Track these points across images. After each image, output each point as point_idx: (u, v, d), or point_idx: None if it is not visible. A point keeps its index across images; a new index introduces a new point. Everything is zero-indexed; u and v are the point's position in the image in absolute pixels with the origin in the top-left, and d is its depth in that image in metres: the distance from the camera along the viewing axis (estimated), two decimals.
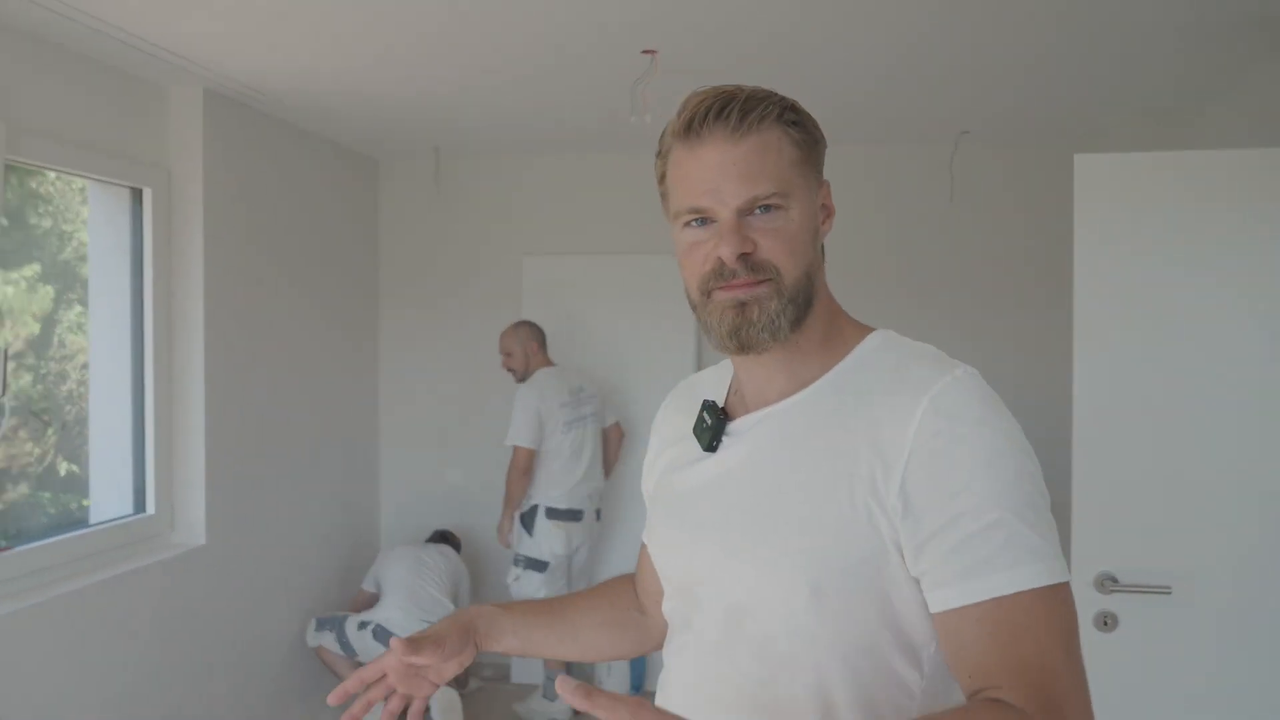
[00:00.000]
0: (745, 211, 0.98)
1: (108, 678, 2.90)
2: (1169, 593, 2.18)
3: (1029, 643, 0.86)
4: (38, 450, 3.06)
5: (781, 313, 0.99)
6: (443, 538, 4.26)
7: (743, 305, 0.99)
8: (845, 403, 0.99)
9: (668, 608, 1.13)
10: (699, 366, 4.41)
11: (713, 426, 1.06)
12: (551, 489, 3.95)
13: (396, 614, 3.79)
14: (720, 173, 0.98)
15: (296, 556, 3.94)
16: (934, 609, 0.91)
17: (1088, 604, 2.23)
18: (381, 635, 3.75)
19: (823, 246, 1.07)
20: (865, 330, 1.07)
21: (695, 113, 1.00)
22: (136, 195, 3.24)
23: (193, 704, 3.28)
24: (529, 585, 3.95)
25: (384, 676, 1.17)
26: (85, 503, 3.19)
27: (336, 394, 4.32)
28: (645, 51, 2.93)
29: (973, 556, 0.88)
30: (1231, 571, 2.19)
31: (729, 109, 0.98)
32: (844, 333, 1.06)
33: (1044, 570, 0.88)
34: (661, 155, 1.06)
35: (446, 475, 4.65)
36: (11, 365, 3.10)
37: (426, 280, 4.64)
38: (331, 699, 1.16)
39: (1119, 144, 3.82)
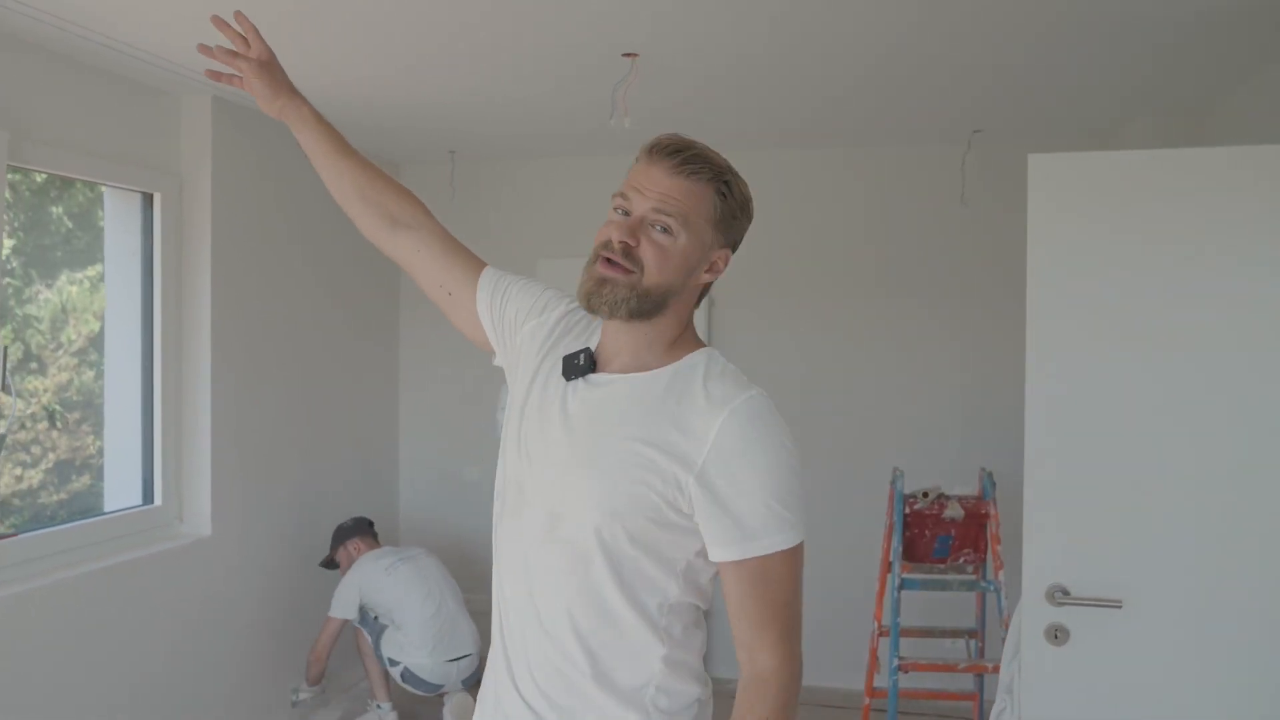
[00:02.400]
0: (649, 220, 1.33)
1: (112, 661, 3.03)
2: (1120, 606, 2.11)
3: (776, 588, 1.32)
4: (62, 441, 3.22)
5: (625, 300, 1.33)
6: (369, 526, 4.08)
7: (603, 281, 1.33)
8: (670, 395, 1.36)
9: (501, 488, 1.48)
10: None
11: (582, 367, 1.40)
12: None
13: (425, 660, 3.70)
14: (651, 185, 1.33)
15: (305, 551, 4.05)
16: (714, 559, 1.34)
17: (1039, 616, 2.18)
18: (411, 679, 3.73)
19: (706, 289, 1.44)
20: (698, 346, 1.42)
21: (661, 143, 1.36)
22: (148, 199, 3.39)
23: (195, 690, 3.40)
24: None
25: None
26: (99, 492, 3.35)
27: (353, 393, 4.44)
28: (626, 55, 2.95)
29: (746, 527, 1.30)
30: (1183, 585, 2.11)
31: (681, 152, 1.34)
32: (685, 344, 1.41)
33: (791, 536, 1.32)
34: (637, 160, 1.40)
35: (464, 473, 4.73)
36: (74, 361, 3.29)
37: None
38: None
39: (1135, 141, 3.69)
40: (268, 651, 3.82)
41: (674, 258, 1.33)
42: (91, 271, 3.33)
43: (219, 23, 1.70)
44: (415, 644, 3.72)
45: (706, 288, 1.43)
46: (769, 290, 4.40)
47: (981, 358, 4.18)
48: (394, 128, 4.00)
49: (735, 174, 1.38)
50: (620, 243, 1.32)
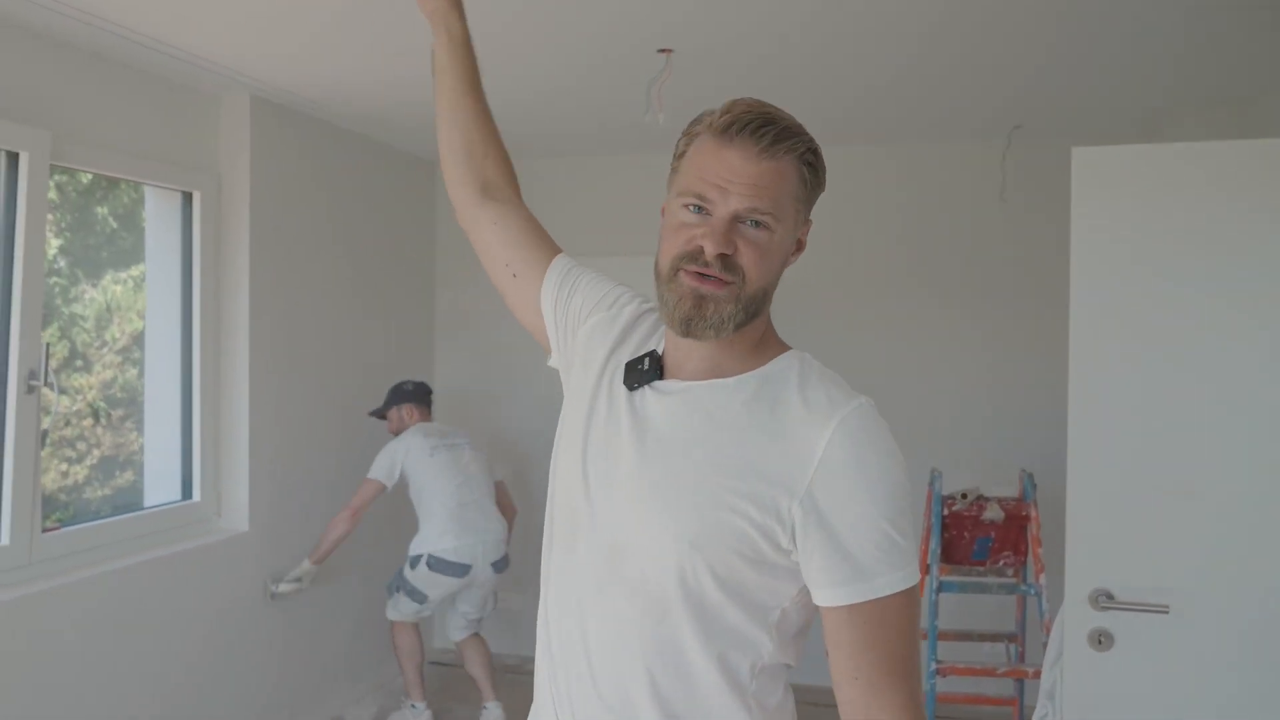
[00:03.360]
0: (739, 218, 1.10)
1: (150, 652, 3.07)
2: (1167, 611, 2.06)
3: (897, 638, 1.07)
4: (106, 438, 3.27)
5: (732, 316, 1.12)
6: (428, 395, 4.08)
7: (701, 299, 1.11)
8: (760, 404, 1.13)
9: (552, 516, 1.25)
10: None
11: (646, 374, 1.19)
12: None
13: (450, 543, 3.74)
14: (735, 176, 1.09)
15: (341, 548, 4.07)
16: (822, 603, 1.09)
17: (1082, 621, 2.13)
18: (438, 565, 3.76)
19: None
20: (784, 347, 1.20)
21: (737, 119, 1.11)
22: (188, 198, 3.43)
23: (230, 683, 3.44)
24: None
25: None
26: (140, 488, 3.39)
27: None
28: (661, 50, 2.94)
29: (861, 563, 1.06)
30: (1233, 591, 2.05)
31: (765, 130, 1.10)
32: (769, 345, 1.19)
33: (911, 573, 1.08)
34: (688, 136, 1.17)
35: (496, 472, 4.73)
36: (118, 359, 3.34)
37: (478, 281, 4.72)
38: None
39: (1179, 135, 3.61)
40: (303, 647, 3.85)
41: (774, 255, 1.13)
42: (135, 271, 3.38)
43: None
44: (439, 532, 3.77)
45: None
46: (803, 288, 4.35)
47: (1021, 356, 4.11)
48: (427, 127, 4.00)
49: (812, 139, 1.16)
50: (718, 255, 1.10)
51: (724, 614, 1.11)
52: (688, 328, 1.12)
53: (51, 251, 2.98)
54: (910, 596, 1.08)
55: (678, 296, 1.12)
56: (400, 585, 3.89)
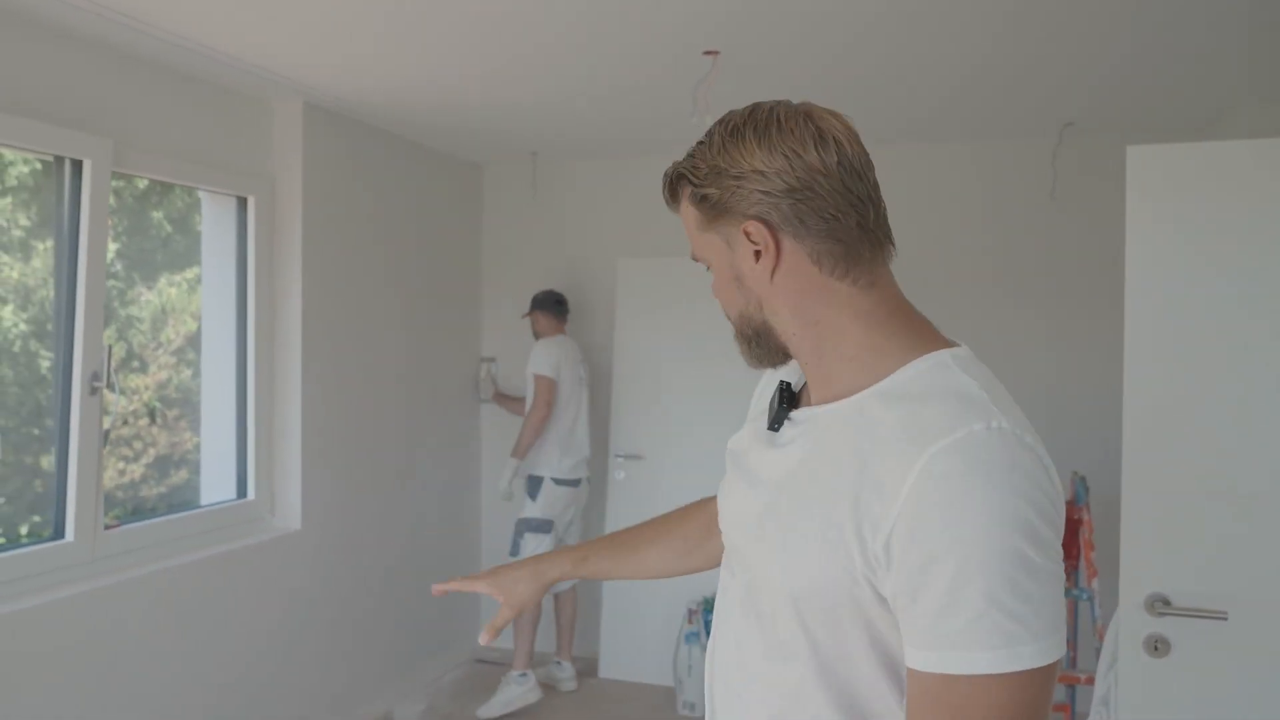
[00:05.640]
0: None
1: (204, 648, 3.14)
2: (1225, 618, 2.02)
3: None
4: (162, 437, 3.35)
5: (740, 349, 1.13)
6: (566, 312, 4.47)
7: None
8: (864, 431, 0.98)
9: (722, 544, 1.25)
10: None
11: (778, 411, 1.12)
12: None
13: (568, 461, 4.26)
14: None
15: (391, 545, 4.14)
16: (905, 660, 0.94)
17: (1137, 626, 2.09)
18: (561, 481, 4.26)
19: (842, 268, 1.03)
20: (916, 350, 1.02)
21: None
22: (242, 203, 3.50)
23: (282, 679, 3.50)
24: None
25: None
26: (196, 486, 3.47)
27: (437, 392, 4.51)
28: (706, 53, 2.94)
29: (933, 628, 0.88)
30: None
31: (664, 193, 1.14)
32: (884, 350, 1.03)
33: (1006, 657, 0.86)
34: None
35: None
36: (173, 360, 3.43)
37: (527, 282, 4.78)
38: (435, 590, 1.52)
39: (1237, 133, 3.53)
40: (353, 644, 3.91)
41: (720, 288, 1.11)
42: (190, 273, 3.45)
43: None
44: (559, 454, 4.25)
45: (829, 261, 1.02)
46: None
47: (1073, 358, 4.05)
48: (478, 129, 4.06)
49: (698, 149, 1.08)
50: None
51: (849, 660, 0.99)
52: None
53: (109, 255, 3.06)
54: (1004, 685, 0.86)
55: None
56: (524, 532, 4.16)
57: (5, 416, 2.75)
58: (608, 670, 4.52)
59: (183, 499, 3.40)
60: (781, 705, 1.03)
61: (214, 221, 3.48)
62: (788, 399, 1.12)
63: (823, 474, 1.00)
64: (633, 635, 4.49)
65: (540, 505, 4.18)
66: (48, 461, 2.83)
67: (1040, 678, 0.87)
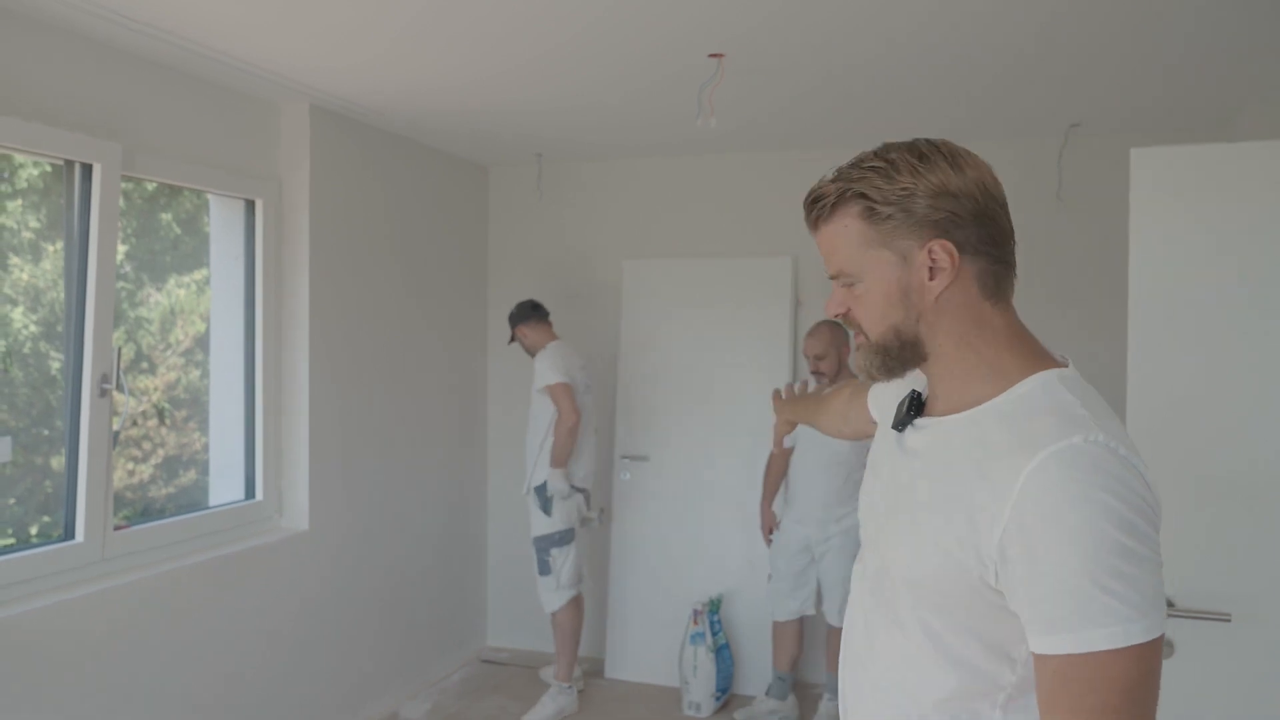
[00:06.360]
0: (839, 283, 1.21)
1: (212, 648, 3.16)
2: (1229, 620, 2.02)
3: (1092, 698, 0.99)
4: (170, 438, 3.37)
5: (870, 361, 1.21)
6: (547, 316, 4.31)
7: (857, 349, 1.24)
8: (983, 438, 1.12)
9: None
10: (794, 368, 4.37)
11: (906, 415, 1.26)
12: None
13: (577, 470, 4.11)
14: (821, 251, 1.23)
15: (398, 545, 4.16)
16: (1030, 646, 1.05)
17: None
18: (581, 493, 4.14)
19: (994, 290, 1.18)
20: (1029, 370, 1.16)
21: (804, 205, 1.23)
22: (250, 205, 3.52)
23: (290, 679, 3.52)
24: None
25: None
26: (204, 487, 3.49)
27: (443, 393, 4.53)
28: (712, 55, 2.95)
29: (1050, 614, 1.01)
30: None
31: (809, 208, 1.21)
32: (1005, 367, 1.17)
33: (1119, 633, 0.98)
34: None
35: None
36: (181, 361, 3.45)
37: (532, 283, 4.80)
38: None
39: (1247, 133, 3.53)
40: (360, 644, 3.93)
41: (876, 303, 1.17)
42: (198, 275, 3.47)
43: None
44: (575, 462, 4.11)
45: (986, 283, 1.16)
46: None
47: (1078, 357, 4.02)
48: (484, 131, 4.07)
49: (884, 169, 1.15)
50: (838, 316, 1.24)
51: (965, 649, 1.12)
52: (856, 371, 1.28)
53: (119, 257, 3.08)
54: (1118, 659, 0.98)
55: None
56: (549, 549, 4.03)
57: (16, 417, 2.77)
58: (614, 671, 4.53)
59: (191, 500, 3.42)
60: (902, 670, 1.19)
61: (222, 224, 3.50)
62: (916, 408, 1.25)
63: (943, 479, 1.14)
64: (639, 636, 4.51)
65: (558, 517, 4.04)
66: (58, 462, 2.85)
67: (1149, 651, 0.99)
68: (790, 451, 3.97)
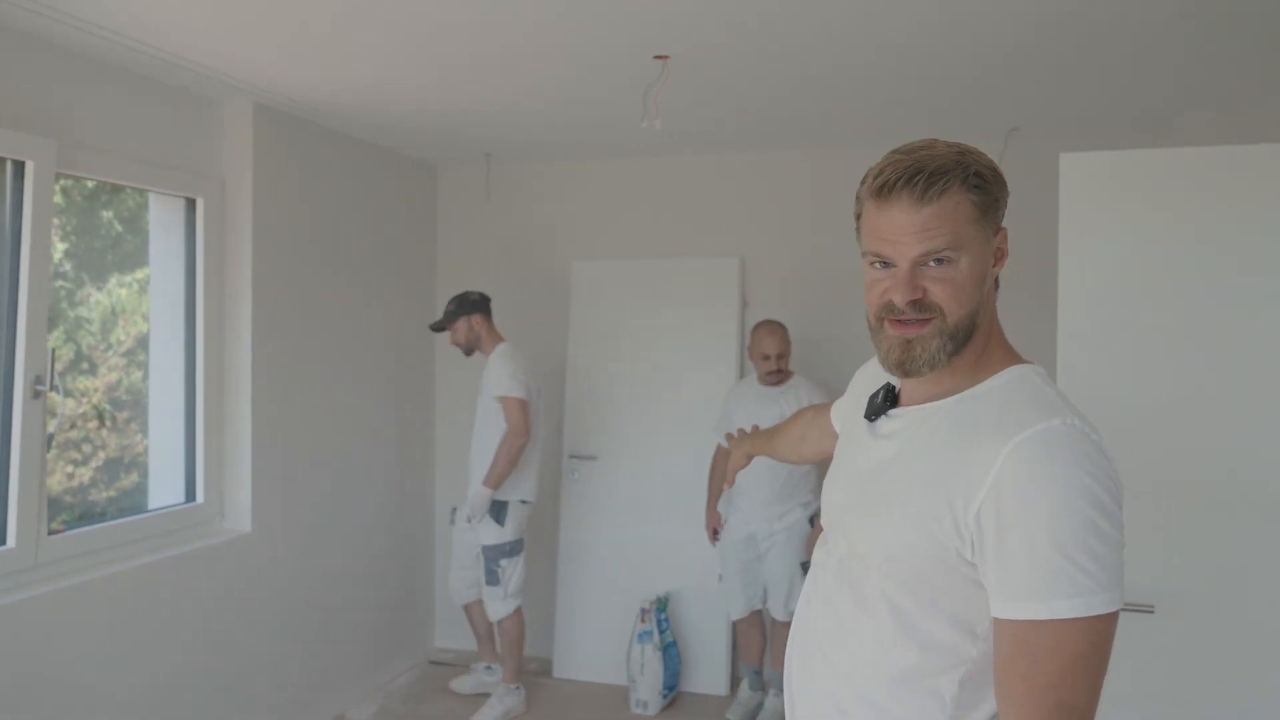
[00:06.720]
0: (920, 263, 1.19)
1: (154, 653, 3.11)
2: (1152, 611, 2.08)
3: (1048, 663, 1.06)
4: (111, 440, 3.31)
5: (942, 348, 1.20)
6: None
7: (909, 343, 1.21)
8: (962, 424, 1.18)
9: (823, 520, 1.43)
10: (741, 368, 4.41)
11: (880, 406, 1.32)
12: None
13: (530, 484, 4.02)
14: (902, 231, 1.18)
15: (344, 547, 4.12)
16: (992, 613, 1.12)
17: None
18: (527, 503, 4.03)
19: (996, 279, 1.27)
20: (1010, 362, 1.25)
21: (888, 179, 1.19)
22: (191, 204, 3.47)
23: (234, 683, 3.48)
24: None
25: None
26: (145, 489, 3.43)
27: (389, 393, 4.50)
28: (657, 57, 2.97)
29: (1021, 583, 1.07)
30: (1219, 590, 2.07)
31: (916, 179, 1.17)
32: (992, 359, 1.25)
33: (1080, 604, 1.05)
34: (859, 199, 1.28)
35: None
36: (123, 361, 3.39)
37: (481, 284, 4.77)
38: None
39: (1187, 139, 3.64)
40: (306, 646, 3.90)
41: (966, 283, 1.19)
42: (140, 274, 3.42)
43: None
44: (524, 476, 3.99)
45: (999, 277, 1.28)
46: (792, 291, 4.39)
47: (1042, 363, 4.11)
48: (432, 130, 4.05)
49: (971, 152, 1.21)
50: (908, 302, 1.20)
51: (928, 623, 1.18)
52: (904, 370, 1.23)
53: (57, 255, 3.03)
54: (1074, 629, 1.04)
55: (888, 346, 1.23)
56: (499, 559, 3.97)
57: None
58: (562, 670, 4.54)
59: (133, 503, 3.37)
60: (866, 650, 1.23)
61: (162, 223, 3.45)
62: (890, 399, 1.31)
63: (921, 459, 1.20)
64: (587, 635, 4.51)
65: (510, 528, 3.96)
66: None
67: (1106, 623, 1.06)
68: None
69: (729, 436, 2.10)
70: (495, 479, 3.86)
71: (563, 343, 4.70)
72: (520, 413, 3.84)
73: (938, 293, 1.19)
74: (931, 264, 1.18)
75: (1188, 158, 2.15)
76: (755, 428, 2.11)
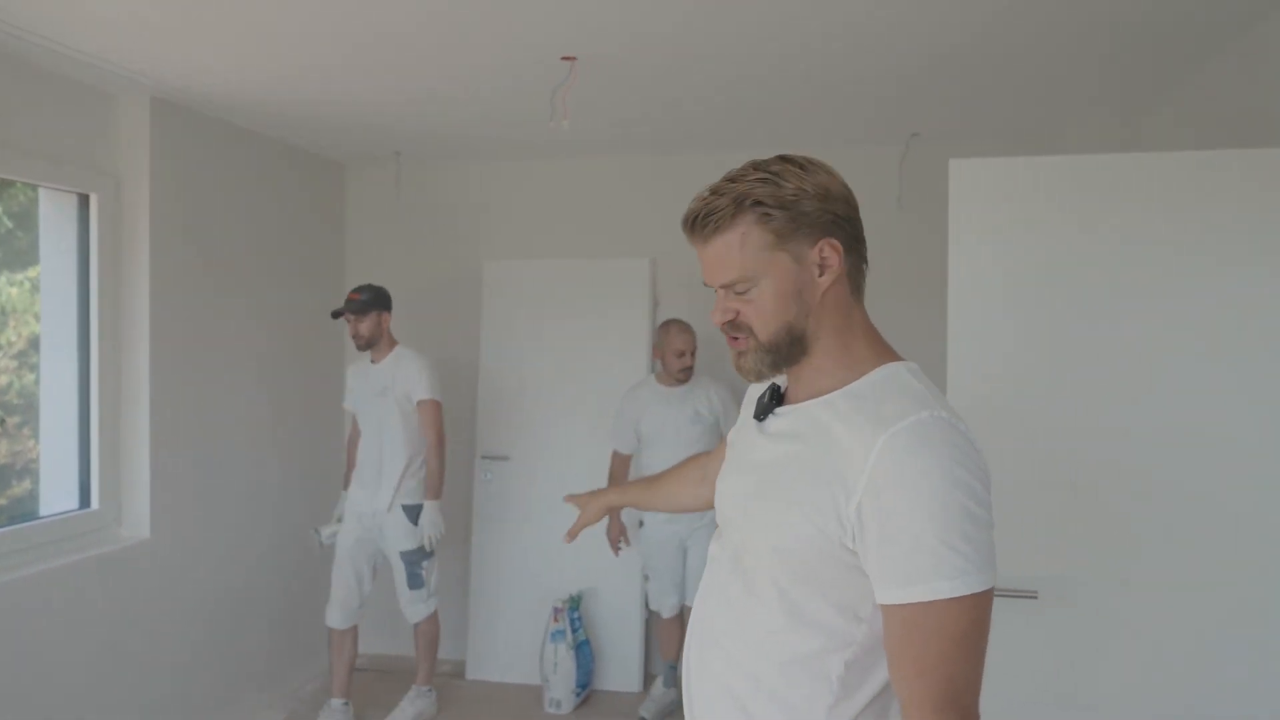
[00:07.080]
0: (727, 291, 1.29)
1: (48, 665, 3.00)
2: (1036, 597, 2.19)
3: (935, 642, 1.14)
4: (2, 445, 3.19)
5: (760, 361, 1.30)
6: None
7: (739, 355, 1.33)
8: (838, 420, 1.24)
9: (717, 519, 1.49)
10: (652, 368, 4.45)
11: (767, 405, 1.38)
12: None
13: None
14: (705, 263, 1.30)
15: (248, 552, 4.04)
16: (877, 600, 1.19)
17: None
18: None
19: (857, 287, 1.32)
20: (882, 359, 1.31)
21: (684, 221, 1.30)
22: (84, 200, 3.36)
23: (133, 693, 3.38)
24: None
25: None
26: (35, 496, 3.31)
27: (295, 394, 4.42)
28: (564, 58, 2.99)
29: (904, 569, 1.14)
30: (1101, 575, 2.19)
31: (694, 221, 1.28)
32: (861, 358, 1.31)
33: (959, 584, 1.12)
34: None
35: None
36: (14, 364, 3.24)
37: (390, 283, 4.72)
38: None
39: (1078, 145, 3.80)
40: (209, 655, 3.80)
41: (768, 305, 1.27)
42: (32, 272, 3.29)
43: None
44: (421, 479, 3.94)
45: (853, 280, 1.31)
46: (701, 291, 4.45)
47: (914, 356, 4.21)
48: (339, 125, 3.99)
49: (770, 178, 1.25)
50: (723, 324, 1.31)
51: (815, 610, 1.24)
52: (748, 378, 1.35)
53: None
54: (955, 607, 1.12)
55: (732, 355, 1.35)
56: (420, 561, 3.91)
57: None
58: (475, 671, 4.52)
59: (23, 510, 3.24)
60: (758, 636, 1.29)
61: (52, 220, 3.33)
62: (776, 398, 1.37)
63: (805, 455, 1.26)
64: (500, 636, 4.51)
65: (425, 527, 3.90)
66: None
67: (984, 600, 1.15)
68: (629, 459, 4.04)
69: (568, 499, 2.08)
70: (435, 488, 3.87)
71: (475, 343, 4.68)
72: (435, 415, 3.87)
73: (746, 313, 1.28)
74: (736, 291, 1.28)
75: (1069, 164, 2.27)
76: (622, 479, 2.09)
